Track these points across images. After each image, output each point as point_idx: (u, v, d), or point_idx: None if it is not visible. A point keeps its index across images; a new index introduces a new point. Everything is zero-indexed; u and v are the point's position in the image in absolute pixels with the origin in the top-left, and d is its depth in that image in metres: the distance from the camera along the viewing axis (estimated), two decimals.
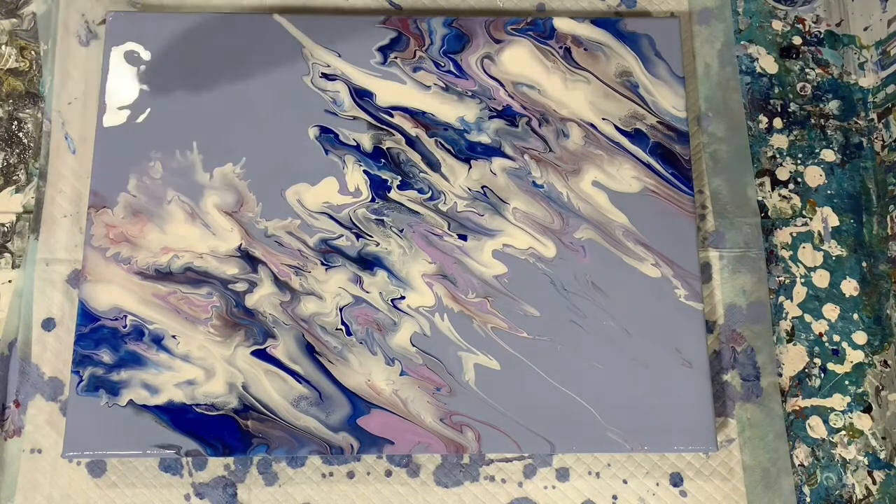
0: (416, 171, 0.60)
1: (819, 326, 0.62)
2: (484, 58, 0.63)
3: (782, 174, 0.65)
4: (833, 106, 0.66)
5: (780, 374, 0.61)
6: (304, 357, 0.57)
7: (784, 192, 0.64)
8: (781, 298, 0.62)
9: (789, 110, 0.66)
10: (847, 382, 0.61)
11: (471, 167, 0.61)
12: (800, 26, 0.68)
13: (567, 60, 0.63)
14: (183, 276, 0.58)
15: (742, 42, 0.67)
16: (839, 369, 0.61)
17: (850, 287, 0.63)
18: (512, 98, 0.62)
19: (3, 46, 0.65)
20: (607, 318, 0.58)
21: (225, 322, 0.57)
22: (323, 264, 0.58)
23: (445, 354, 0.57)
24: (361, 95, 0.62)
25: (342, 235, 0.59)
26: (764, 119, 0.66)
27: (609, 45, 0.63)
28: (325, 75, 0.62)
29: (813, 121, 0.66)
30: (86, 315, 0.57)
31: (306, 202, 0.59)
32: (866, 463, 0.59)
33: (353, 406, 0.56)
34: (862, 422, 0.60)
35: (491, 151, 0.61)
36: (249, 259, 0.58)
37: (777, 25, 0.68)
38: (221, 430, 0.55)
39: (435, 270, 0.59)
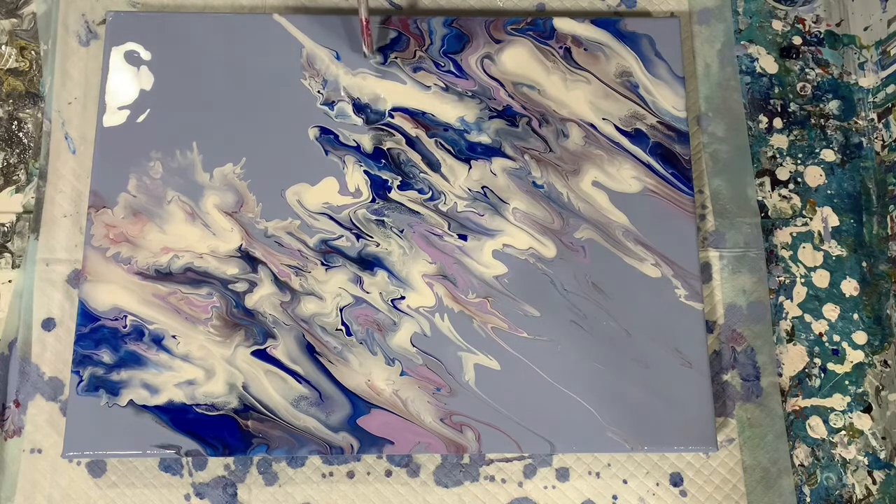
0: (417, 172, 0.60)
1: (819, 326, 0.62)
2: (484, 58, 0.63)
3: (782, 174, 0.65)
4: (833, 106, 0.66)
5: (780, 374, 0.61)
6: (305, 357, 0.57)
7: (784, 192, 0.64)
8: (781, 298, 0.62)
9: (789, 110, 0.66)
10: (847, 382, 0.61)
11: (471, 167, 0.61)
12: (800, 26, 0.68)
13: (567, 60, 0.63)
14: (183, 276, 0.58)
15: (742, 42, 0.67)
16: (839, 369, 0.61)
17: (850, 287, 0.63)
18: (512, 98, 0.62)
19: (3, 46, 0.65)
20: (607, 318, 0.58)
21: (225, 322, 0.57)
22: (323, 264, 0.58)
23: (445, 354, 0.57)
24: None
25: (342, 236, 0.59)
26: (764, 119, 0.66)
27: (609, 45, 0.63)
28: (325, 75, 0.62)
29: (813, 121, 0.66)
30: (86, 315, 0.57)
31: (306, 202, 0.59)
32: (866, 463, 0.59)
33: (354, 406, 0.56)
34: (862, 422, 0.60)
35: (491, 151, 0.61)
36: (249, 259, 0.58)
37: (777, 25, 0.68)
38: (221, 430, 0.55)
39: (435, 271, 0.59)
